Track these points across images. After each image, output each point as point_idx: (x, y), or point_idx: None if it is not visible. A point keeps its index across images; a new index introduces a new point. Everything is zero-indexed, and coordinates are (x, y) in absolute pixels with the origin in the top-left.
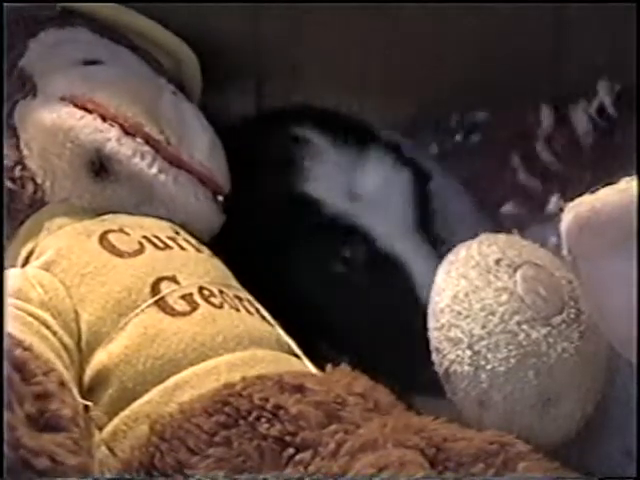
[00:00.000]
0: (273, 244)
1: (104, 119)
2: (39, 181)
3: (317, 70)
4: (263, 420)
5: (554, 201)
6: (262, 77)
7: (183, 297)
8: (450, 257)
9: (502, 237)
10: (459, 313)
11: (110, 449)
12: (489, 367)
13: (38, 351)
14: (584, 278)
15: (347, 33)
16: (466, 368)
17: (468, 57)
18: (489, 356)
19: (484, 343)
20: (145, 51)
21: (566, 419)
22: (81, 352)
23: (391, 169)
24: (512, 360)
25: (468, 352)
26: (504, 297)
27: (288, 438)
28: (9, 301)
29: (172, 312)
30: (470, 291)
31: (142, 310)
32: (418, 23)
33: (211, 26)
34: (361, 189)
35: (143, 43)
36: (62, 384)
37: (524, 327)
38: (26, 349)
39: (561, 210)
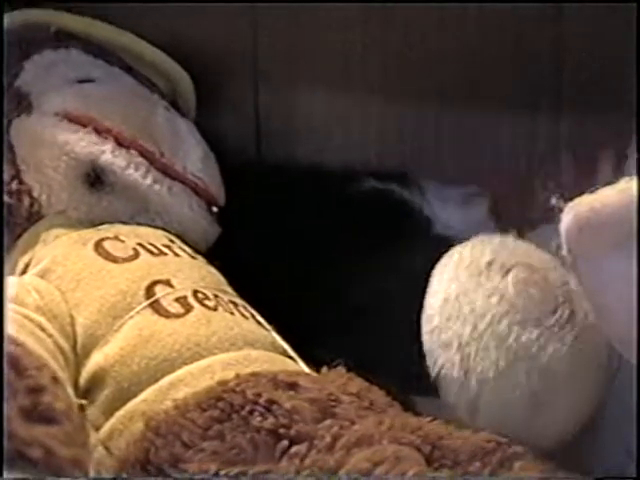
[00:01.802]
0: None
1: (98, 132)
2: (35, 194)
3: (317, 71)
4: (256, 414)
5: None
6: (260, 82)
7: (177, 300)
8: (444, 260)
9: (497, 239)
10: (449, 316)
11: (107, 448)
12: (479, 370)
13: (31, 348)
14: (584, 278)
15: (347, 35)
16: (456, 372)
17: (468, 56)
18: (478, 359)
19: (473, 346)
20: (139, 72)
21: (560, 422)
22: (77, 355)
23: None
24: (502, 363)
25: (458, 356)
26: (494, 299)
27: (282, 431)
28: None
29: (166, 314)
30: (460, 294)
31: (137, 312)
32: (418, 23)
33: (209, 28)
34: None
35: (137, 64)
36: (55, 379)
37: (514, 329)
38: (19, 345)
39: (561, 210)
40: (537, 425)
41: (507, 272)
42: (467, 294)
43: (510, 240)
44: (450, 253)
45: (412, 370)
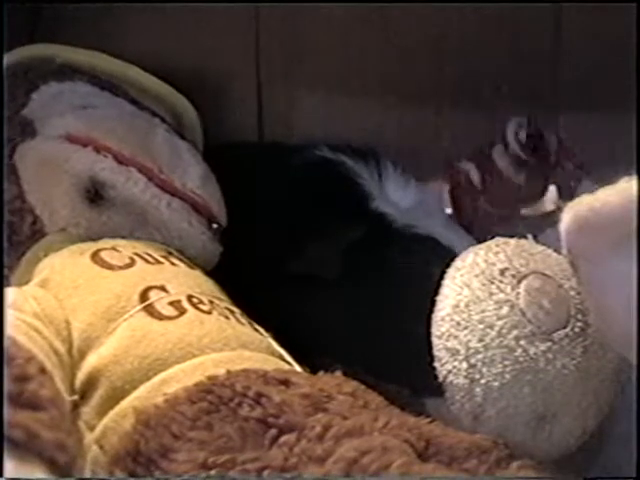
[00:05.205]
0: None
1: (98, 151)
2: (38, 212)
3: (318, 73)
4: (245, 405)
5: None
6: (262, 84)
7: (171, 303)
8: (457, 262)
9: (512, 243)
10: (458, 323)
11: (101, 447)
12: (484, 381)
13: (21, 342)
14: (584, 278)
15: (347, 37)
16: (462, 380)
17: (467, 59)
18: (484, 370)
19: (480, 357)
20: (143, 104)
21: (563, 436)
22: (73, 358)
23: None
24: (507, 376)
25: (464, 364)
26: (504, 310)
27: (271, 420)
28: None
29: (160, 316)
30: (471, 301)
31: (131, 315)
32: (417, 24)
33: (210, 26)
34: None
35: (142, 97)
36: (42, 370)
37: (522, 342)
38: (8, 339)
39: (560, 210)
40: (539, 438)
41: (520, 281)
42: (477, 303)
43: (527, 244)
44: (463, 256)
45: (422, 371)
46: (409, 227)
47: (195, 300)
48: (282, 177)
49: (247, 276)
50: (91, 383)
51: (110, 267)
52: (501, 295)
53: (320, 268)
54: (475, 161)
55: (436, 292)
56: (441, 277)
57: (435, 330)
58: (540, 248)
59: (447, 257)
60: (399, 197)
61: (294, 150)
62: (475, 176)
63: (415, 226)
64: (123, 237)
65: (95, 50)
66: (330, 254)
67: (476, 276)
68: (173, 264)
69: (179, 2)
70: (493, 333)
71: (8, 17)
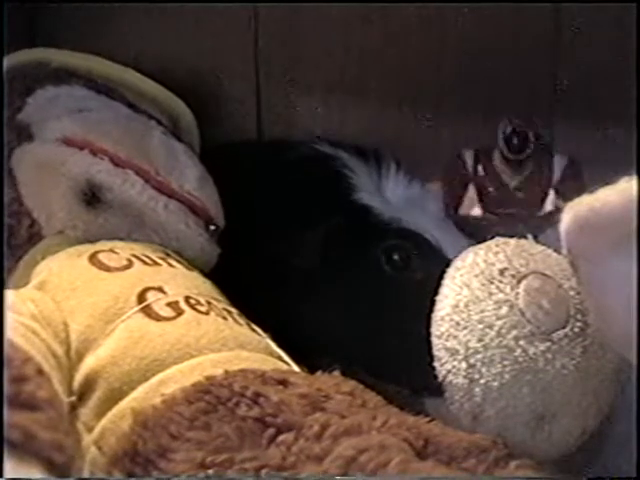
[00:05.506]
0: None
1: (94, 154)
2: (35, 215)
3: (317, 73)
4: (242, 405)
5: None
6: (261, 85)
7: (169, 304)
8: (457, 262)
9: (512, 243)
10: (458, 323)
11: (99, 448)
12: (483, 381)
13: (18, 344)
14: (584, 278)
15: (347, 37)
16: (461, 380)
17: (466, 59)
18: (483, 370)
19: (479, 357)
20: (139, 107)
21: (563, 436)
22: (71, 360)
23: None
24: (506, 376)
25: (464, 364)
26: (504, 310)
27: (269, 419)
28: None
29: (157, 317)
30: (470, 301)
31: (128, 317)
32: (417, 24)
33: (209, 26)
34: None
35: (139, 100)
36: (39, 371)
37: (521, 342)
38: (6, 340)
39: (560, 210)
40: (539, 438)
41: (519, 281)
42: (477, 303)
43: (527, 244)
44: (463, 255)
45: (421, 370)
46: (396, 222)
47: (193, 301)
48: (280, 174)
49: (245, 276)
50: (89, 384)
51: (108, 269)
52: (500, 295)
53: (300, 259)
54: (474, 150)
55: (419, 287)
56: (427, 275)
57: (435, 330)
58: (540, 248)
59: (434, 256)
60: (398, 196)
61: (291, 146)
62: (470, 163)
63: (402, 222)
64: (120, 239)
65: (94, 51)
66: (310, 245)
67: (476, 276)
68: (171, 265)
69: (179, 2)
70: (492, 333)
71: (8, 18)
